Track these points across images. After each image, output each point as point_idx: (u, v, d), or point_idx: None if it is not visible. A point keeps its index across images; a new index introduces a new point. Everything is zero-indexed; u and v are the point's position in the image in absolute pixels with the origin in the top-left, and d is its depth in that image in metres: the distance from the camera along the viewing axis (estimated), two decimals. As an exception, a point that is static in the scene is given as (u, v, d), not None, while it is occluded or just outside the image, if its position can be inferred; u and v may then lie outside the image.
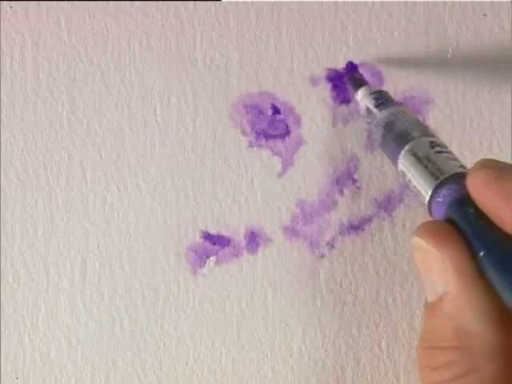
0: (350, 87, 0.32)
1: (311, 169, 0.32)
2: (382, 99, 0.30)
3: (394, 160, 0.27)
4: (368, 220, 0.33)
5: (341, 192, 0.32)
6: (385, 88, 0.32)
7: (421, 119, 0.29)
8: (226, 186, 0.32)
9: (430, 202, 0.24)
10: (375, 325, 0.32)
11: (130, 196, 0.32)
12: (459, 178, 0.23)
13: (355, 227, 0.32)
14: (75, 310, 0.32)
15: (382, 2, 0.33)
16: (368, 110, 0.30)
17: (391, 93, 0.31)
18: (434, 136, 0.27)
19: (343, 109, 0.33)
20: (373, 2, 0.33)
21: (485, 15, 0.33)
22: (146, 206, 0.32)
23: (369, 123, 0.30)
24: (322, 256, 0.32)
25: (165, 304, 0.32)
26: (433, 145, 0.26)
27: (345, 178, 0.33)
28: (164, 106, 0.32)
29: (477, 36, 0.33)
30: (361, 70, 0.33)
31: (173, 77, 0.32)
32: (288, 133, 0.32)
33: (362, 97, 0.30)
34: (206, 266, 0.32)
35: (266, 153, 0.32)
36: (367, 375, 0.32)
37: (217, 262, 0.32)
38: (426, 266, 0.22)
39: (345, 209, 0.33)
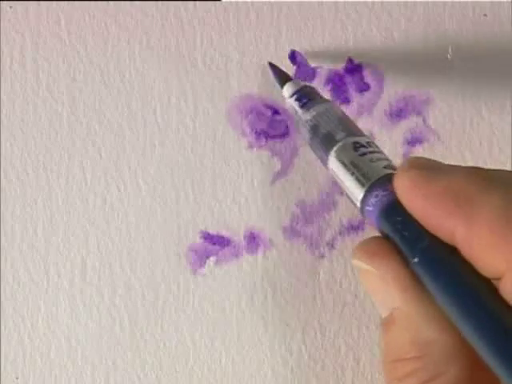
0: (276, 82, 0.31)
1: (311, 169, 0.32)
2: (306, 98, 0.29)
3: (325, 165, 0.26)
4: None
5: (341, 192, 0.32)
6: (385, 88, 0.32)
7: (345, 114, 0.28)
8: (226, 186, 0.32)
9: (362, 211, 0.24)
10: (375, 325, 0.32)
11: (130, 196, 0.32)
12: (386, 182, 0.23)
13: (355, 227, 0.32)
14: (75, 309, 0.32)
15: (382, 2, 0.33)
16: (294, 109, 0.29)
17: (391, 93, 0.31)
18: (358, 133, 0.26)
19: (343, 108, 0.33)
20: (373, 2, 0.33)
21: (485, 15, 0.33)
22: (146, 206, 0.32)
23: (297, 122, 0.29)
24: (322, 256, 0.32)
25: (165, 304, 0.32)
26: (356, 146, 0.25)
27: (345, 178, 0.33)
28: (164, 106, 0.32)
29: (477, 36, 0.33)
30: (363, 71, 0.32)
31: (173, 77, 0.32)
32: (288, 133, 0.32)
33: (287, 95, 0.29)
34: (206, 265, 0.32)
35: (265, 153, 0.32)
36: (367, 375, 0.32)
37: (217, 262, 0.32)
38: (370, 286, 0.22)
39: (345, 209, 0.33)
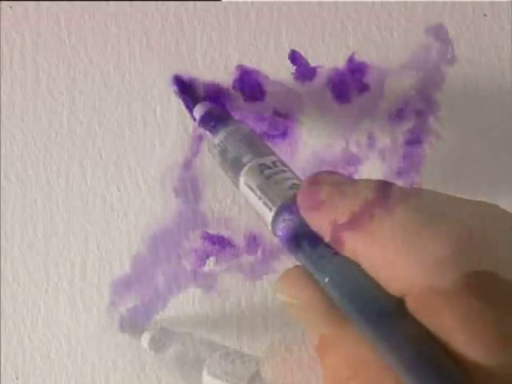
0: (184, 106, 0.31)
1: (311, 169, 0.32)
2: (212, 121, 0.28)
3: (238, 188, 0.26)
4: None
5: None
6: (385, 88, 0.32)
7: (253, 133, 0.28)
8: (226, 186, 0.32)
9: (275, 235, 0.23)
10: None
11: (130, 196, 0.32)
12: (291, 204, 0.22)
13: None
14: (75, 310, 0.32)
15: (382, 2, 0.33)
16: (203, 133, 0.29)
17: (392, 93, 0.31)
18: (265, 153, 0.26)
19: (343, 108, 0.33)
20: (373, 2, 0.33)
21: (485, 15, 0.33)
22: (146, 206, 0.32)
23: (208, 147, 0.29)
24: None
25: (165, 304, 0.32)
26: (262, 168, 0.25)
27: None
28: (164, 106, 0.32)
29: (477, 36, 0.33)
30: (365, 71, 0.33)
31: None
32: (288, 133, 0.32)
33: (196, 118, 0.29)
34: (206, 266, 0.32)
35: (265, 153, 0.32)
36: (367, 375, 0.32)
37: (217, 262, 0.32)
38: (296, 316, 0.22)
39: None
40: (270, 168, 0.24)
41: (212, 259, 0.32)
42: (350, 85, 0.33)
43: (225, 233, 0.32)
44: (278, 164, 0.25)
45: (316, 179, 0.22)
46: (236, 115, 0.32)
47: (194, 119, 0.30)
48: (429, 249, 0.18)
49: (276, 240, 0.32)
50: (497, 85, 0.33)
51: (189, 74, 0.32)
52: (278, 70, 0.32)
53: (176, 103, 0.32)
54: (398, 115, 0.33)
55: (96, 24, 0.32)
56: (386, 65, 0.33)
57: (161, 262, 0.32)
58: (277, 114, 0.32)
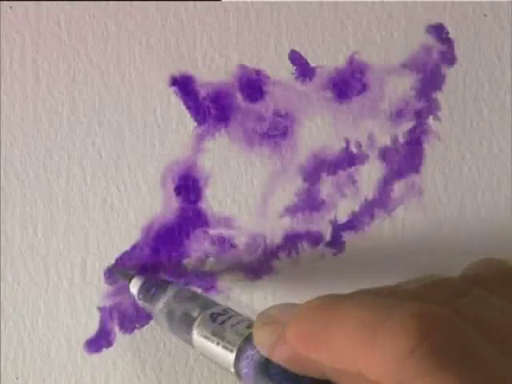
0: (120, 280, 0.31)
1: (311, 169, 0.32)
2: (151, 290, 0.29)
3: (191, 345, 0.26)
4: (368, 220, 0.33)
5: (341, 192, 0.32)
6: (385, 88, 0.32)
7: (194, 291, 0.29)
8: (226, 186, 0.32)
9: (238, 376, 0.24)
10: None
11: (130, 196, 0.32)
12: (250, 342, 0.23)
13: (355, 227, 0.32)
14: (75, 309, 0.32)
15: (382, 2, 0.33)
16: (145, 303, 0.29)
17: (392, 93, 0.31)
18: (213, 304, 0.27)
19: (343, 108, 0.33)
20: (373, 2, 0.33)
21: (485, 15, 0.33)
22: (146, 206, 0.32)
23: (153, 315, 0.29)
24: (322, 256, 0.32)
25: (165, 304, 0.32)
26: (214, 317, 0.26)
27: (345, 178, 0.33)
28: (164, 106, 0.32)
29: (477, 36, 0.33)
30: (365, 71, 0.33)
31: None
32: (288, 133, 0.32)
33: (134, 294, 0.30)
34: (206, 265, 0.32)
35: (266, 152, 0.32)
36: (367, 375, 0.32)
37: (217, 262, 0.32)
38: None
39: (345, 209, 0.33)
40: (221, 315, 0.26)
41: (212, 259, 0.32)
42: (350, 85, 0.33)
43: (225, 233, 0.32)
44: (229, 310, 0.26)
45: (262, 320, 0.23)
46: (236, 115, 0.32)
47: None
48: (390, 346, 0.19)
49: (275, 241, 0.32)
50: (497, 85, 0.33)
51: (189, 74, 0.32)
52: (278, 70, 0.32)
53: (176, 103, 0.32)
54: (398, 115, 0.33)
55: (96, 24, 0.32)
56: (386, 65, 0.33)
57: (161, 262, 0.32)
58: (277, 114, 0.32)
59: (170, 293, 0.29)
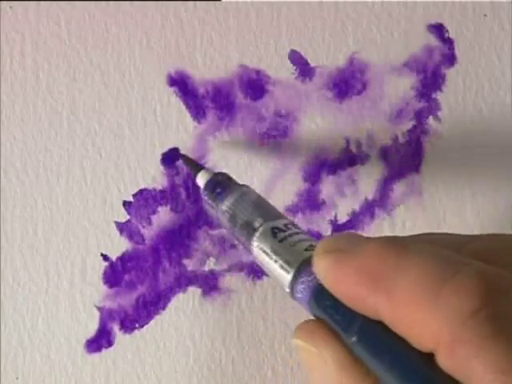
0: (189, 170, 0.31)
1: (311, 169, 0.32)
2: (219, 187, 0.28)
3: (249, 252, 0.26)
4: (368, 220, 0.33)
5: (341, 192, 0.32)
6: (385, 89, 0.32)
7: (261, 197, 0.28)
8: (226, 186, 0.32)
9: (292, 297, 0.24)
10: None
11: (130, 196, 0.32)
12: (309, 266, 0.23)
13: (355, 227, 0.32)
14: (75, 310, 0.32)
15: (382, 2, 0.33)
16: (209, 200, 0.28)
17: (392, 93, 0.31)
18: (275, 216, 0.26)
19: (344, 107, 0.33)
20: (373, 2, 0.33)
21: (485, 15, 0.33)
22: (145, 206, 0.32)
23: (214, 213, 0.29)
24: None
25: (165, 304, 0.32)
26: (275, 232, 0.25)
27: (345, 178, 0.33)
28: (164, 106, 0.32)
29: (477, 36, 0.33)
30: (364, 70, 0.33)
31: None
32: (288, 132, 0.32)
33: (201, 186, 0.29)
34: (206, 266, 0.32)
35: (266, 152, 0.32)
36: (367, 375, 0.32)
37: (217, 262, 0.32)
38: (308, 364, 0.22)
39: (345, 209, 0.33)
40: (282, 231, 0.25)
41: (212, 259, 0.32)
42: (350, 85, 0.33)
43: (225, 233, 0.32)
44: (290, 226, 0.25)
45: (326, 246, 0.22)
46: (236, 115, 0.32)
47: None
48: (452, 304, 0.18)
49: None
50: (497, 85, 0.33)
51: (189, 73, 0.32)
52: (278, 70, 0.32)
53: (176, 103, 0.32)
54: (398, 115, 0.33)
55: (96, 24, 0.32)
56: (386, 65, 0.33)
57: (162, 262, 0.32)
58: (277, 113, 0.32)
59: (235, 195, 0.27)
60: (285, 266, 0.23)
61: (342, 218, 0.33)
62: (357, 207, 0.33)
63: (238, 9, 0.32)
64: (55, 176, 0.32)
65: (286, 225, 0.25)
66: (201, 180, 0.29)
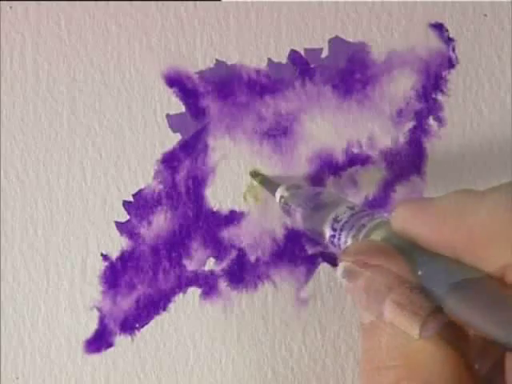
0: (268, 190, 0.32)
1: (312, 169, 0.32)
2: (293, 188, 0.30)
3: (321, 227, 0.27)
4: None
5: (341, 192, 0.32)
6: (385, 89, 0.32)
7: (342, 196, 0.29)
8: (226, 186, 0.32)
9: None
10: (375, 325, 0.32)
11: (130, 196, 0.32)
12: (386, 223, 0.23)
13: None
14: (75, 309, 0.32)
15: (382, 2, 0.33)
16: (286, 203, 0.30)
17: (392, 93, 0.31)
18: (355, 206, 0.27)
19: (344, 108, 0.33)
20: (373, 2, 0.33)
21: (485, 15, 0.33)
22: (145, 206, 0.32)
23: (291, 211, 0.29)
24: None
25: (165, 304, 0.32)
26: (352, 211, 0.26)
27: (345, 178, 0.33)
28: (164, 106, 0.32)
29: (477, 36, 0.33)
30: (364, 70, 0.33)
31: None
32: (288, 132, 0.32)
33: (279, 196, 0.30)
34: (207, 265, 0.32)
35: (266, 152, 0.32)
36: (367, 375, 0.32)
37: (217, 262, 0.32)
38: (359, 289, 0.22)
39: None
40: (359, 211, 0.26)
41: (212, 260, 0.32)
42: (350, 85, 0.33)
43: (225, 233, 0.32)
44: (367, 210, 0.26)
45: (407, 199, 0.23)
46: (237, 115, 0.32)
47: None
48: None
49: (277, 240, 0.32)
50: (497, 85, 0.33)
51: (189, 73, 0.32)
52: (277, 70, 0.32)
53: (176, 103, 0.32)
54: (399, 115, 0.33)
55: (96, 24, 0.32)
56: (386, 65, 0.33)
57: (162, 262, 0.32)
58: (277, 113, 0.32)
59: (314, 190, 0.29)
60: (360, 228, 0.24)
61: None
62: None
63: (238, 9, 0.32)
64: (55, 176, 0.32)
65: (363, 209, 0.26)
66: (279, 192, 0.30)
